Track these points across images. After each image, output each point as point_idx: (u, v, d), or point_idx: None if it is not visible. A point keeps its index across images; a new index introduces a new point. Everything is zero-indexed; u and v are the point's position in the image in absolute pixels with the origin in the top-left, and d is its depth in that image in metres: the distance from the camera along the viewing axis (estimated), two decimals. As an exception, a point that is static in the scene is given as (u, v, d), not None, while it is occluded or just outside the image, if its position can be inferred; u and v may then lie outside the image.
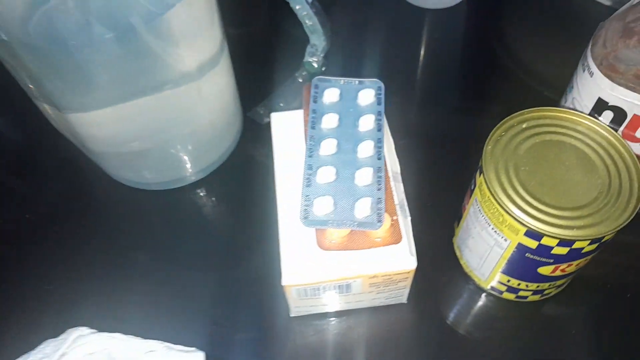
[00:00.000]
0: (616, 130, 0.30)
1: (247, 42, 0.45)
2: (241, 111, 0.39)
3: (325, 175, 0.29)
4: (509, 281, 0.30)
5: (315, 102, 0.32)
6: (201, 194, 0.37)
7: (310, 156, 0.30)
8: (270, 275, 0.32)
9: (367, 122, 0.31)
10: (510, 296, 0.31)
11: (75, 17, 0.27)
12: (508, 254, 0.28)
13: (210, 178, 0.37)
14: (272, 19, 0.47)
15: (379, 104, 0.32)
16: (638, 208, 0.25)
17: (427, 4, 0.46)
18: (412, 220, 0.29)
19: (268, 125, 0.33)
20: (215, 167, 0.37)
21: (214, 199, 0.37)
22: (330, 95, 0.32)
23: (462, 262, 0.33)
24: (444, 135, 0.40)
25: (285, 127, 0.33)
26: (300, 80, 0.41)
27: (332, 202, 0.28)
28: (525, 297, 0.31)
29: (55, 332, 0.30)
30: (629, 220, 0.24)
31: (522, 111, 0.28)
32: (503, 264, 0.29)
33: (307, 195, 0.28)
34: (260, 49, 0.44)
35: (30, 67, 0.27)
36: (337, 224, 0.27)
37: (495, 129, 0.28)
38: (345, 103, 0.32)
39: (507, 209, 0.25)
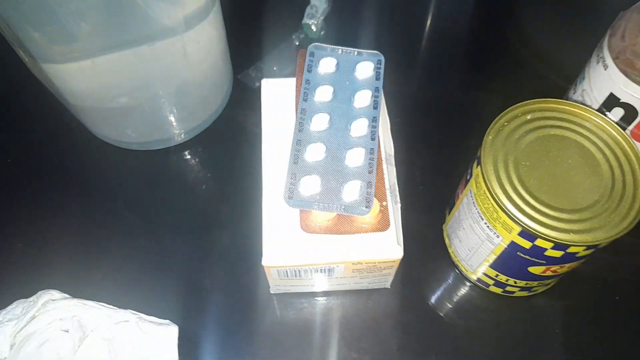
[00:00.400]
0: (625, 129, 0.28)
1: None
2: (231, 72, 0.37)
3: (315, 152, 0.27)
4: (497, 276, 0.29)
5: (309, 71, 0.30)
6: (185, 157, 0.35)
7: (300, 131, 0.28)
8: (251, 249, 0.31)
9: (363, 98, 0.29)
10: (497, 290, 0.30)
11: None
12: (499, 251, 0.26)
13: (196, 141, 0.36)
14: None
15: (377, 79, 0.30)
16: (637, 219, 0.23)
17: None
18: (402, 201, 0.28)
19: (259, 89, 0.31)
20: (201, 130, 0.36)
21: (198, 163, 0.35)
22: (327, 65, 0.30)
23: (450, 251, 0.32)
24: (443, 115, 0.38)
25: (276, 95, 0.31)
26: (297, 44, 0.39)
27: (320, 183, 0.26)
28: (513, 293, 0.30)
29: (26, 292, 0.29)
30: (629, 229, 0.23)
31: (528, 101, 0.26)
32: (492, 259, 0.27)
33: (293, 173, 0.27)
34: (256, 6, 0.42)
35: (3, 14, 0.25)
36: (323, 207, 0.26)
37: (498, 118, 0.26)
38: (341, 75, 0.30)
39: (503, 206, 0.24)
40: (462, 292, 0.32)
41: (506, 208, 0.24)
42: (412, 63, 0.41)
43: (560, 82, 0.38)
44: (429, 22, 0.43)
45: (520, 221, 0.24)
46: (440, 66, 0.40)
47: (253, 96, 0.36)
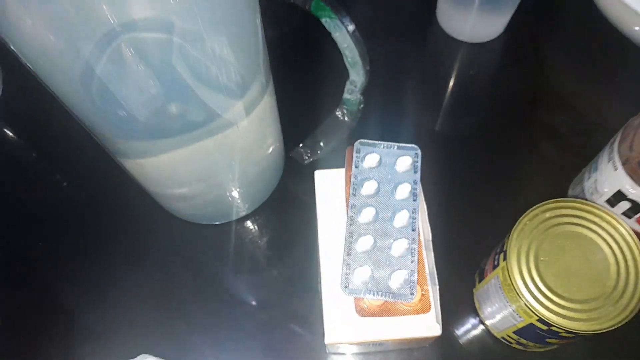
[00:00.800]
0: (630, 217, 0.33)
1: (285, 76, 0.47)
2: (284, 149, 0.42)
3: (364, 244, 0.32)
4: (519, 339, 0.34)
5: (357, 167, 0.35)
6: (245, 229, 0.41)
7: (351, 224, 0.33)
8: (308, 316, 0.36)
9: (403, 191, 0.34)
10: (519, 347, 0.36)
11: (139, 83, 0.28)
12: (521, 325, 0.32)
13: (255, 213, 0.41)
14: (311, 53, 0.49)
15: (415, 172, 0.35)
16: (633, 313, 0.28)
17: (463, 37, 0.47)
18: (437, 259, 0.33)
19: (309, 164, 0.36)
20: (259, 204, 0.41)
21: (257, 235, 0.41)
22: (371, 160, 0.35)
23: (479, 312, 0.37)
24: (473, 180, 0.43)
25: (328, 185, 0.36)
26: (340, 118, 0.44)
27: (370, 273, 0.32)
28: (533, 349, 0.35)
29: (124, 355, 0.36)
30: (624, 321, 0.28)
31: (547, 201, 0.31)
32: (515, 329, 0.33)
33: (347, 264, 0.32)
34: (299, 84, 0.46)
35: (82, 119, 0.29)
36: (374, 294, 0.31)
37: (521, 217, 0.31)
38: (383, 169, 0.35)
39: (524, 299, 0.29)
40: (489, 344, 0.37)
41: (527, 301, 0.29)
42: (444, 127, 0.45)
43: (587, 151, 0.40)
44: (455, 87, 0.47)
45: (539, 312, 0.29)
46: (470, 133, 0.45)
47: (304, 169, 0.42)
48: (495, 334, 0.36)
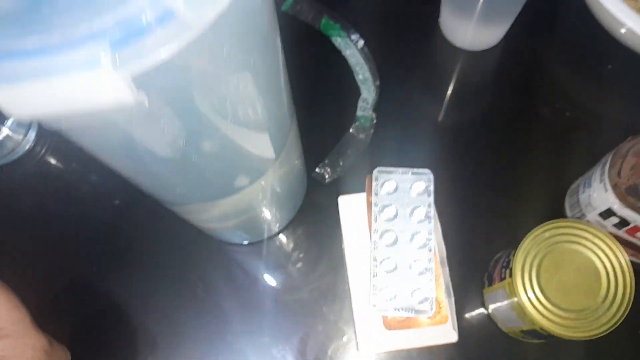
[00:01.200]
0: (620, 229, 0.37)
1: (300, 97, 0.49)
2: (306, 171, 0.46)
3: (387, 266, 0.37)
4: (524, 336, 0.39)
5: (376, 194, 0.39)
6: (276, 246, 0.45)
7: (374, 249, 0.38)
8: (338, 322, 0.42)
9: (419, 214, 0.38)
10: (524, 339, 0.41)
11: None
12: (526, 328, 0.37)
13: (285, 230, 0.46)
14: (323, 71, 0.51)
15: (428, 195, 0.39)
16: (621, 319, 0.33)
17: (464, 45, 0.50)
18: (448, 259, 0.38)
19: (330, 182, 0.40)
20: (287, 222, 0.45)
21: (288, 250, 0.45)
22: (388, 187, 0.39)
23: (488, 311, 0.42)
24: (478, 187, 0.47)
25: (351, 208, 0.40)
26: (355, 135, 0.47)
27: (394, 292, 0.36)
28: (537, 341, 0.41)
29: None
30: (615, 327, 0.33)
31: (547, 223, 0.36)
32: (521, 329, 0.38)
33: (374, 286, 0.37)
34: (314, 105, 0.49)
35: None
36: (399, 312, 0.36)
37: (524, 239, 0.35)
38: (400, 194, 0.39)
39: (529, 313, 0.34)
40: (496, 336, 0.42)
41: (531, 315, 0.34)
42: (458, 144, 0.49)
43: (583, 165, 0.44)
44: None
45: (541, 323, 0.34)
46: (475, 140, 0.49)
47: (325, 187, 0.46)
48: (503, 329, 0.41)
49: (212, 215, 0.39)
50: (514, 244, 0.41)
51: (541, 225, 0.36)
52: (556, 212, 0.45)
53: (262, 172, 0.35)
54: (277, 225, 0.45)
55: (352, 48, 0.48)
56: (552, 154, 0.47)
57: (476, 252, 0.44)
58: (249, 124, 0.27)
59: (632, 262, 0.34)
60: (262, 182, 0.37)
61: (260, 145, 0.31)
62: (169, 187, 0.31)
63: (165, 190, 0.32)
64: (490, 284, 0.41)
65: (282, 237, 0.46)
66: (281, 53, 0.27)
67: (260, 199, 0.40)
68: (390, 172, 0.40)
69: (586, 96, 0.49)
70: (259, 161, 0.33)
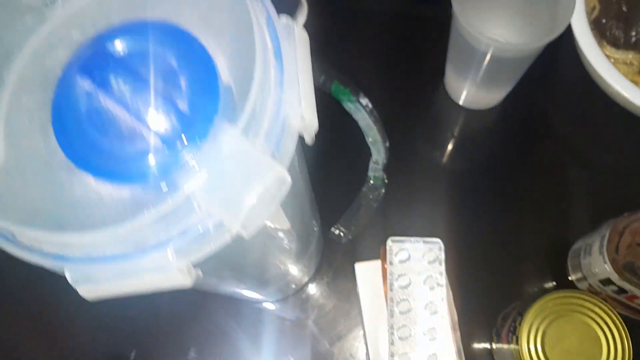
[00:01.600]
0: (619, 294, 0.40)
1: (313, 160, 0.51)
2: (322, 234, 0.49)
3: (403, 333, 0.40)
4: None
5: (391, 264, 0.42)
6: (296, 305, 0.48)
7: (391, 317, 0.41)
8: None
9: (431, 282, 0.41)
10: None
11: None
12: (533, 388, 0.40)
13: (307, 286, 0.49)
14: (334, 135, 0.53)
15: (440, 264, 0.42)
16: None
17: (466, 104, 0.52)
18: (458, 315, 0.41)
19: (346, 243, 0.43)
20: (307, 280, 0.48)
21: (305, 310, 0.48)
22: (401, 256, 0.42)
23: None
24: (483, 240, 0.49)
25: (367, 275, 0.43)
26: (367, 195, 0.50)
27: (411, 358, 0.39)
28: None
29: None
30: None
31: (550, 294, 0.38)
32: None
33: (392, 353, 0.40)
34: (327, 167, 0.52)
35: None
36: (415, 377, 0.39)
37: (529, 308, 0.38)
38: (413, 263, 0.42)
39: (535, 379, 0.37)
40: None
41: (538, 381, 0.37)
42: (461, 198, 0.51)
43: (583, 226, 0.47)
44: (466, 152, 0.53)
45: (547, 389, 0.37)
46: (477, 197, 0.51)
47: (341, 246, 0.49)
48: (512, 381, 0.44)
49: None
50: (519, 297, 0.44)
51: (545, 296, 0.39)
52: (559, 267, 0.47)
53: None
54: (294, 285, 0.48)
55: (362, 112, 0.50)
56: (554, 210, 0.49)
57: (483, 309, 0.47)
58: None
59: (632, 320, 0.37)
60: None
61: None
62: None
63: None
64: (498, 340, 0.44)
65: (307, 292, 0.49)
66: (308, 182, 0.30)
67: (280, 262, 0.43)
68: (403, 242, 0.43)
69: (589, 154, 0.52)
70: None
